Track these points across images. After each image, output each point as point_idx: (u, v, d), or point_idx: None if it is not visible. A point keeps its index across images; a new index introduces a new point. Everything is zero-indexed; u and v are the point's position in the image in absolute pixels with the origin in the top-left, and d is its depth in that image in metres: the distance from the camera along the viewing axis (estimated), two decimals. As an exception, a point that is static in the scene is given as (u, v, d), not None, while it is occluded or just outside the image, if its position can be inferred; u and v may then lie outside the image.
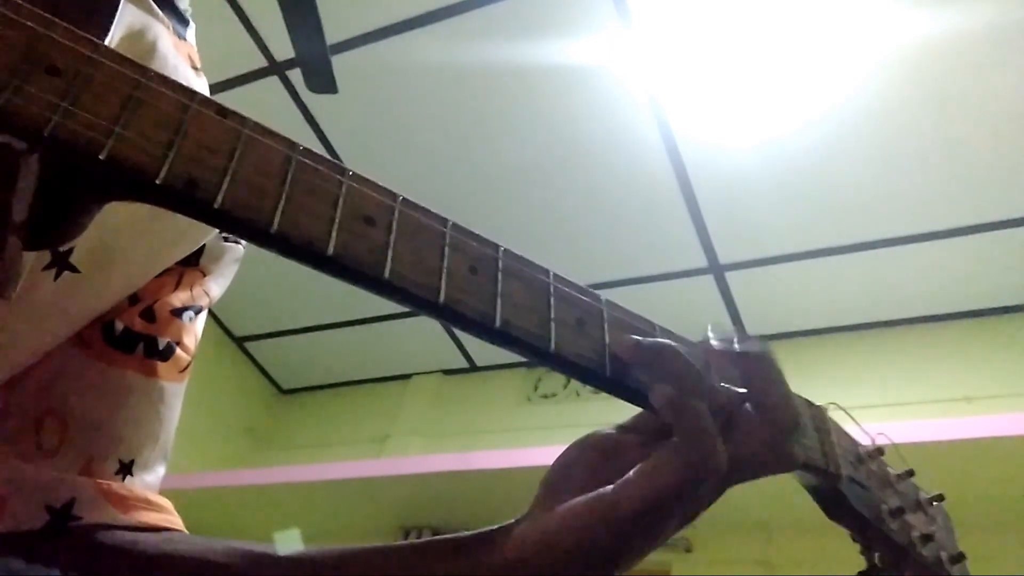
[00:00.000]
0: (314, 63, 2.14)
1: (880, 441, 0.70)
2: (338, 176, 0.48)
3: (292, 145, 0.48)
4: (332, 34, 2.10)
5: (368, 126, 3.07)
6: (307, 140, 3.11)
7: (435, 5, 2.67)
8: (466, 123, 2.97)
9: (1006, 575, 2.24)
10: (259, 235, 0.44)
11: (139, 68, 0.46)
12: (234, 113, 0.47)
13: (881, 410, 2.85)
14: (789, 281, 3.09)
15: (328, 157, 0.49)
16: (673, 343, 0.56)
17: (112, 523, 0.65)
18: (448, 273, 0.48)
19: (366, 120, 3.05)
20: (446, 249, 0.49)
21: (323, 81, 2.19)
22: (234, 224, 0.44)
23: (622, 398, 0.55)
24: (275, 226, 0.44)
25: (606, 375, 0.53)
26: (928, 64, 2.43)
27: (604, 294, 2.19)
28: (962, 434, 2.31)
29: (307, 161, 0.47)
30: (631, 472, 0.53)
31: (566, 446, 0.60)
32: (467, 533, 0.56)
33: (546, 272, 0.54)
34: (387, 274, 0.46)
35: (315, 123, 3.11)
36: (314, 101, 3.02)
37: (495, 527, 0.56)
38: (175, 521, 0.71)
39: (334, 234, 0.45)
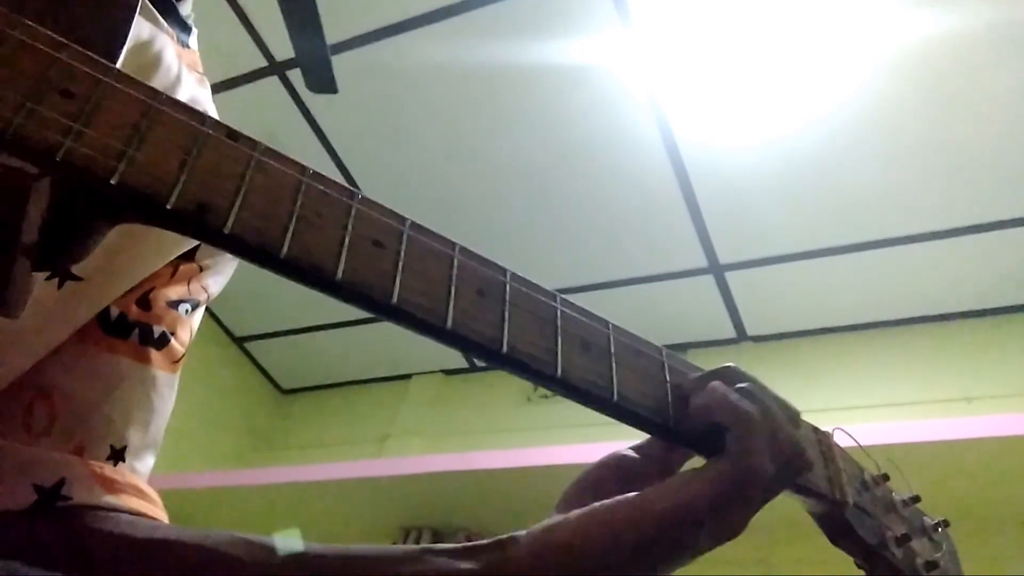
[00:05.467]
0: (314, 63, 2.14)
1: (845, 441, 0.70)
2: (347, 200, 0.48)
3: (302, 168, 0.48)
4: (332, 34, 2.10)
5: (368, 126, 3.07)
6: (307, 140, 3.13)
7: (435, 5, 2.66)
8: (466, 123, 2.96)
9: (1006, 575, 2.24)
10: (269, 260, 0.44)
11: (151, 91, 0.46)
12: (244, 136, 0.47)
13: (881, 410, 2.86)
14: (789, 281, 3.09)
15: (337, 180, 0.49)
16: (733, 365, 0.59)
17: (101, 504, 0.64)
18: (455, 298, 0.48)
19: (366, 120, 3.05)
20: (454, 274, 0.49)
21: (323, 81, 2.19)
22: (244, 249, 0.44)
23: (626, 423, 0.55)
24: (284, 251, 0.44)
25: (612, 400, 0.53)
26: (928, 64, 2.43)
27: (604, 294, 2.19)
28: (962, 434, 2.30)
29: (317, 185, 0.47)
30: (671, 478, 0.55)
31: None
32: (482, 541, 0.56)
33: (553, 296, 0.54)
34: (395, 300, 0.46)
35: (315, 123, 3.11)
36: (314, 101, 3.02)
37: (508, 534, 0.56)
38: (161, 514, 0.70)
39: (343, 259, 0.45)
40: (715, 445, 0.56)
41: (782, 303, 3.20)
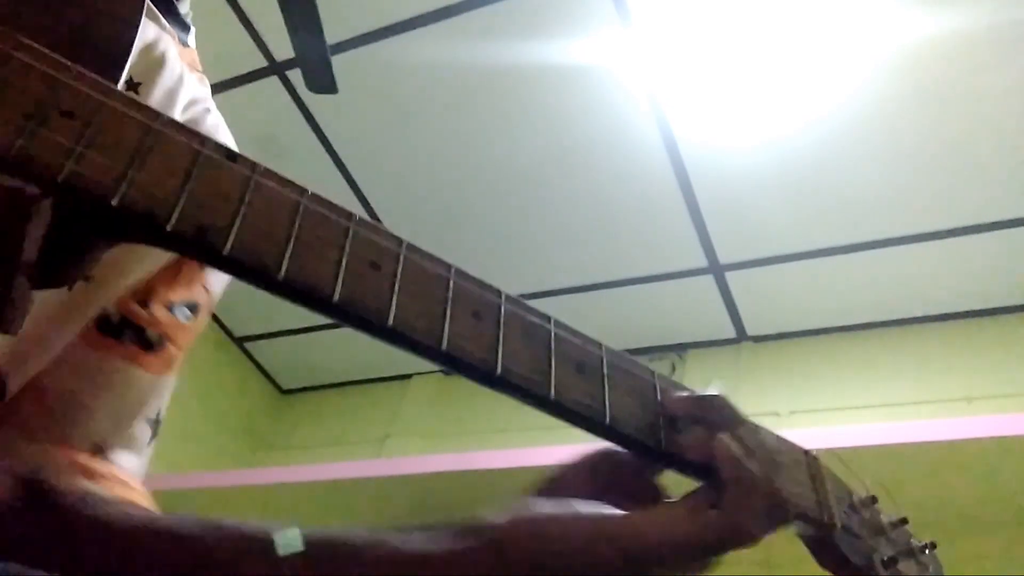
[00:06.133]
0: (314, 63, 2.14)
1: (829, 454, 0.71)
2: (345, 221, 0.48)
3: (301, 190, 0.48)
4: (332, 34, 2.10)
5: (368, 126, 3.07)
6: (307, 140, 3.13)
7: (435, 5, 2.67)
8: (466, 123, 2.97)
9: (1006, 575, 2.24)
10: (266, 281, 0.45)
11: (151, 113, 0.46)
12: (243, 158, 0.47)
13: (881, 410, 2.86)
14: (789, 281, 3.09)
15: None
16: (722, 395, 0.59)
17: (83, 492, 0.64)
18: (451, 320, 0.49)
19: (366, 120, 3.05)
20: (449, 295, 0.50)
21: (323, 81, 2.20)
22: (242, 270, 0.44)
23: (619, 444, 0.56)
24: (282, 273, 0.44)
25: (605, 423, 0.53)
26: (928, 64, 2.43)
27: (604, 294, 2.19)
28: (962, 434, 2.30)
29: (315, 206, 0.48)
30: (660, 507, 0.56)
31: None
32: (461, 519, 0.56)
33: (547, 319, 0.54)
34: (391, 321, 0.46)
35: (315, 123, 3.11)
36: (314, 101, 3.02)
37: (485, 513, 0.56)
38: (147, 503, 0.69)
39: (340, 281, 0.45)
40: (706, 476, 0.57)
41: (782, 303, 3.20)
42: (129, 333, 0.70)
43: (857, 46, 2.45)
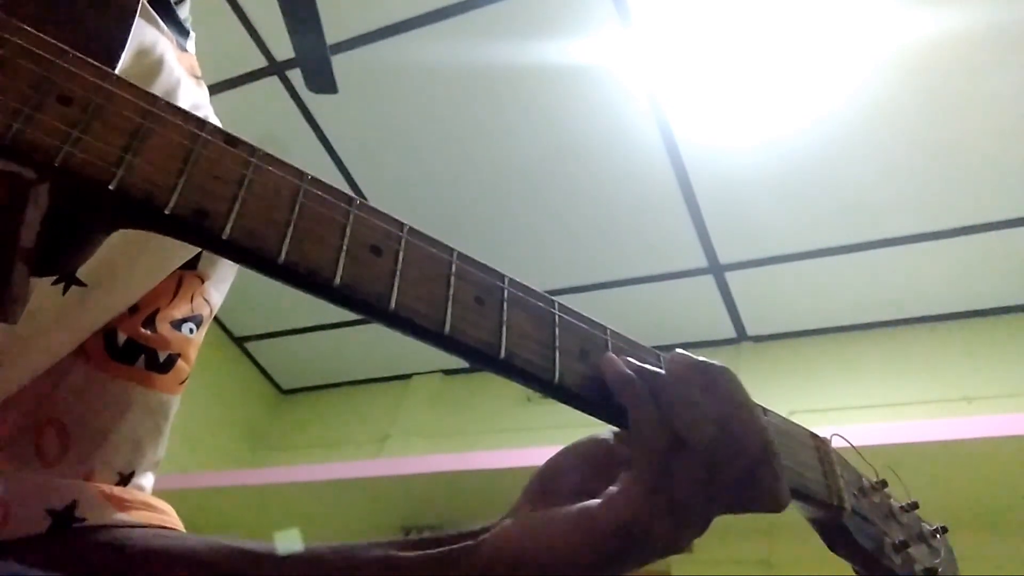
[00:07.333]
0: (314, 63, 2.14)
1: (837, 443, 0.69)
2: (345, 205, 0.48)
3: (300, 174, 0.48)
4: (332, 34, 2.10)
5: (368, 126, 3.07)
6: (307, 140, 3.12)
7: (435, 5, 2.67)
8: (466, 123, 2.96)
9: (1006, 575, 2.24)
10: (266, 265, 0.44)
11: (149, 97, 0.46)
12: (243, 142, 0.47)
13: (881, 410, 2.86)
14: (789, 281, 3.09)
15: (337, 181, 0.49)
16: (660, 370, 0.55)
17: (115, 523, 0.65)
18: (453, 304, 0.48)
19: (366, 120, 3.05)
20: (452, 279, 0.49)
21: (323, 81, 2.19)
22: (242, 254, 0.44)
23: (626, 428, 0.55)
24: (282, 257, 0.44)
25: (609, 407, 0.53)
26: (928, 65, 2.43)
27: (604, 294, 2.19)
28: (962, 434, 2.31)
29: (315, 190, 0.47)
30: (614, 488, 0.53)
31: (564, 447, 0.60)
32: (451, 532, 0.56)
33: (552, 302, 0.54)
34: (393, 305, 0.46)
35: (315, 123, 3.11)
36: (314, 101, 3.02)
37: (479, 527, 0.56)
38: (174, 522, 0.71)
39: (341, 265, 0.45)
40: None
41: (782, 303, 3.20)
42: (141, 357, 0.71)
43: (857, 46, 2.45)
